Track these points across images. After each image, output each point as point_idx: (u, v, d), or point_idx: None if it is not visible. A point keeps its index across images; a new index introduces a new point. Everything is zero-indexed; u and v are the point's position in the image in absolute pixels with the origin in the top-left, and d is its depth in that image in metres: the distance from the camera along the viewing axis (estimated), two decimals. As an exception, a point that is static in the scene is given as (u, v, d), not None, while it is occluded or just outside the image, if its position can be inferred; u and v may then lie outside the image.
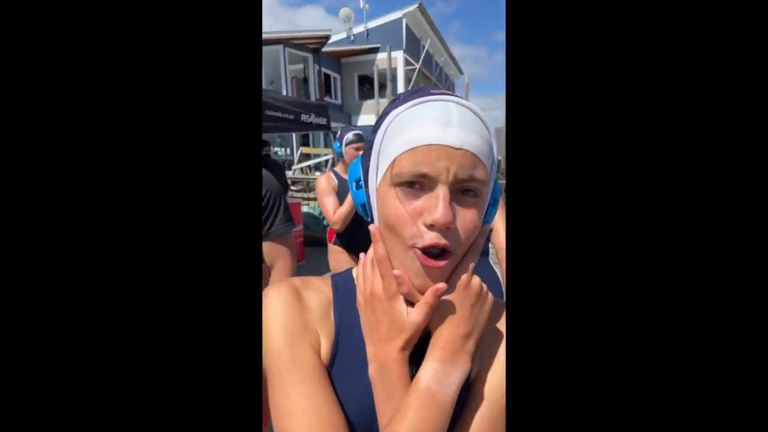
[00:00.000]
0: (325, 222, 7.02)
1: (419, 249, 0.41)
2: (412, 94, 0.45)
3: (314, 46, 12.11)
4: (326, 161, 8.06)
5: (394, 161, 0.42)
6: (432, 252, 0.41)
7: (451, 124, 0.41)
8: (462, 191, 0.42)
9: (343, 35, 15.30)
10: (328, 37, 12.14)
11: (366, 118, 14.91)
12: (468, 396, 0.46)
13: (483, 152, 0.42)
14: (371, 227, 0.47)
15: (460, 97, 0.44)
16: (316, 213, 6.80)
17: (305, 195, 7.47)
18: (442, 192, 0.40)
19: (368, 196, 0.48)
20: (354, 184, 0.50)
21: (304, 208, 6.82)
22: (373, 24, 14.98)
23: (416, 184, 0.42)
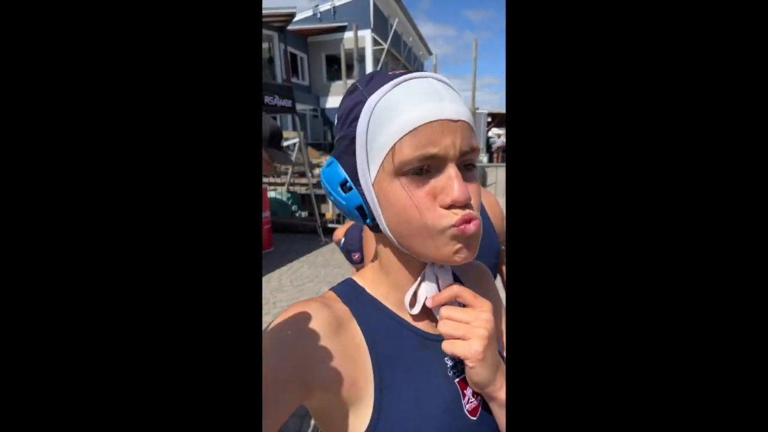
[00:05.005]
0: (293, 207, 6.92)
1: (456, 226, 0.39)
2: (371, 78, 0.43)
3: (279, 24, 11.61)
4: (294, 144, 7.76)
5: (393, 149, 0.39)
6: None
7: (443, 97, 0.40)
8: (464, 166, 0.41)
9: (309, 13, 14.71)
10: (293, 15, 11.67)
11: (334, 100, 14.51)
12: None
13: (472, 122, 0.42)
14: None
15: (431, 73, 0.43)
16: (284, 198, 6.67)
17: (272, 180, 7.30)
18: (453, 171, 0.39)
19: (363, 196, 0.44)
20: (339, 188, 0.44)
21: (271, 194, 6.67)
22: (339, 1, 14.51)
23: (423, 169, 0.40)
